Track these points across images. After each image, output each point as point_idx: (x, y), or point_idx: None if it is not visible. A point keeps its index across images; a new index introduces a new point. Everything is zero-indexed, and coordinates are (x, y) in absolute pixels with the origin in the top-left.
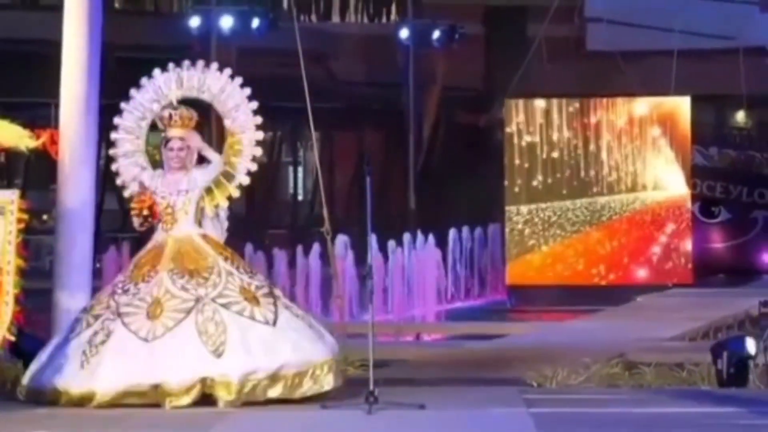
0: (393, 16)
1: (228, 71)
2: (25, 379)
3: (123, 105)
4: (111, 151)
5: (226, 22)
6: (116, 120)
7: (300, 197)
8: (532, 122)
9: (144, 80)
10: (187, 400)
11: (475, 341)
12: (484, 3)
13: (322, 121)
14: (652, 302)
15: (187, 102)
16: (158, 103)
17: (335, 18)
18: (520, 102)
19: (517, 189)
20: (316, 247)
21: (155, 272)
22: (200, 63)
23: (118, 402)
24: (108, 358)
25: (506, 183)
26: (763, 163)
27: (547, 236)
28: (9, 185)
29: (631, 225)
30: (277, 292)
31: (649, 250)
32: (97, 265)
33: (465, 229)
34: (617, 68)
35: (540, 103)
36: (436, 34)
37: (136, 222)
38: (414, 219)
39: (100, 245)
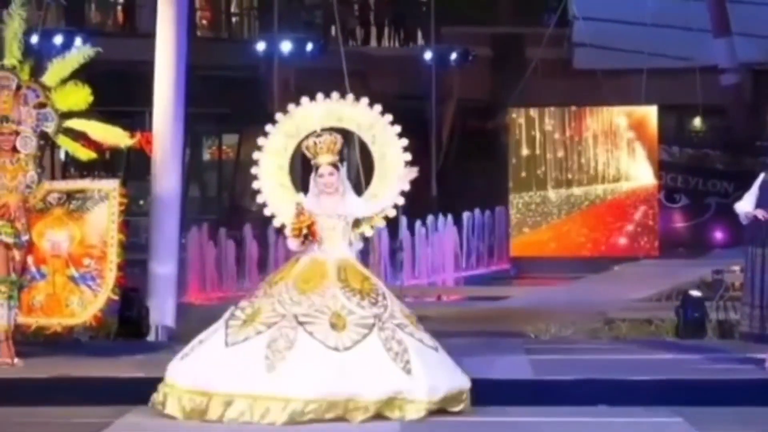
0: (419, 42)
1: (378, 107)
2: (181, 381)
3: (268, 128)
4: (253, 170)
5: (286, 46)
6: (261, 141)
7: None
8: (530, 127)
9: (291, 107)
10: (372, 414)
11: (485, 302)
12: (491, 31)
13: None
14: (627, 271)
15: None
16: (305, 130)
17: (373, 43)
18: (521, 111)
19: (518, 180)
20: None
21: (324, 287)
22: (350, 96)
23: (307, 410)
24: (299, 365)
25: (509, 175)
26: (715, 160)
27: (543, 218)
28: (113, 177)
29: (610, 209)
30: (392, 325)
31: (624, 229)
32: (182, 241)
33: (477, 212)
34: (598, 83)
35: (536, 112)
36: (453, 56)
37: (294, 243)
38: (436, 204)
39: (184, 225)
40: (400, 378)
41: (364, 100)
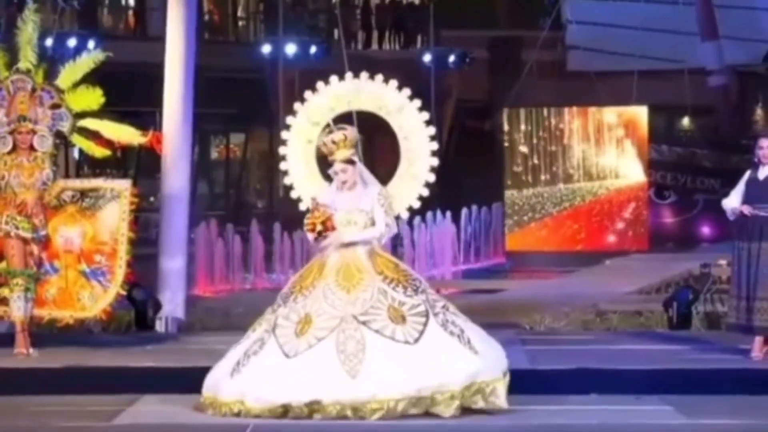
0: (419, 45)
1: (407, 91)
2: (235, 396)
3: (297, 106)
4: (281, 150)
5: (290, 49)
6: (289, 120)
7: None
8: (525, 126)
9: (320, 85)
10: (458, 404)
11: (481, 295)
12: (488, 35)
13: (364, 127)
14: (618, 264)
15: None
16: (332, 111)
17: (374, 46)
18: (517, 111)
19: (514, 177)
20: None
21: (314, 286)
22: (379, 77)
23: (399, 408)
24: (379, 365)
25: (505, 173)
26: (703, 158)
27: (537, 214)
28: (124, 174)
29: (601, 205)
30: (440, 308)
31: (615, 224)
32: (191, 236)
33: (474, 209)
34: (591, 85)
35: (531, 112)
36: (451, 58)
37: (310, 237)
38: (434, 201)
39: (193, 221)
40: (472, 359)
41: (393, 82)
